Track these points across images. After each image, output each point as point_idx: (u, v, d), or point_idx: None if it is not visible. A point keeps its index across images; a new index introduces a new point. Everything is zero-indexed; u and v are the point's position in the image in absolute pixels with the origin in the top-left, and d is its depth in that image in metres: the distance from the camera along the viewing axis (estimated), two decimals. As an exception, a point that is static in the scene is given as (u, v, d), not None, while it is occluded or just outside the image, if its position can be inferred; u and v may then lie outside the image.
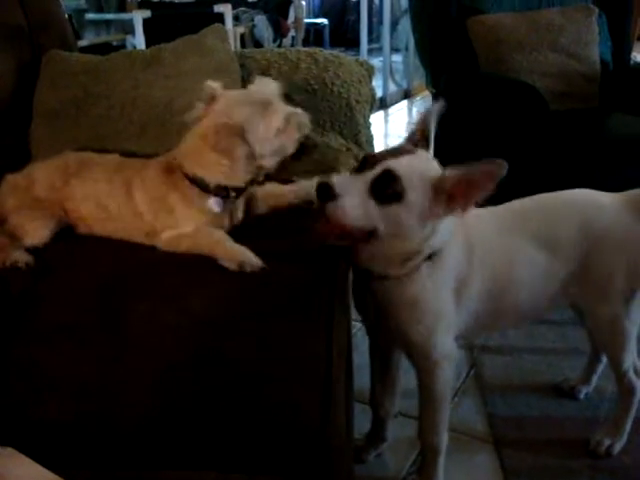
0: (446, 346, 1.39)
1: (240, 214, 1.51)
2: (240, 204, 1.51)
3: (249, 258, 1.30)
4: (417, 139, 1.31)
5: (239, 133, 1.37)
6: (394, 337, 1.46)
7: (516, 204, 1.50)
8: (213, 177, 1.42)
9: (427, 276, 1.31)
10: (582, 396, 1.88)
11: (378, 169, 1.20)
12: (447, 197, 1.20)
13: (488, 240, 1.41)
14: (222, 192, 1.43)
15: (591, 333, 1.77)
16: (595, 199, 1.50)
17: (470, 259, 1.36)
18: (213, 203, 1.43)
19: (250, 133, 1.38)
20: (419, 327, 1.35)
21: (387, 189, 1.18)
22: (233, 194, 1.45)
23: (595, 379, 1.88)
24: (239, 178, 1.43)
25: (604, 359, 1.82)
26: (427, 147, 1.30)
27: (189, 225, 1.42)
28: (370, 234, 1.21)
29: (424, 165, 1.24)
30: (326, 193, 1.16)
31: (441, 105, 1.34)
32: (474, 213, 1.45)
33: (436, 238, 1.27)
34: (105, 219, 1.49)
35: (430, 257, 1.30)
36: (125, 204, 1.47)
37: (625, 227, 1.46)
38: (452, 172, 1.20)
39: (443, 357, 1.39)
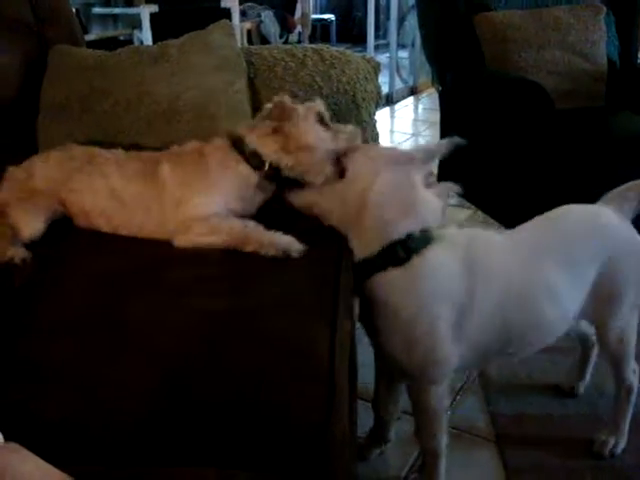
0: (441, 375, 1.39)
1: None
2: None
3: (292, 244, 1.31)
4: None
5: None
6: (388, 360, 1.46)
7: (528, 228, 1.50)
8: (266, 149, 1.43)
9: (404, 286, 1.30)
10: (582, 391, 1.89)
11: None
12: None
13: (500, 272, 1.38)
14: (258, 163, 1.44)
15: (583, 335, 1.83)
16: (599, 214, 1.50)
17: (471, 290, 1.32)
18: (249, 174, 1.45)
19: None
20: (410, 354, 1.34)
21: None
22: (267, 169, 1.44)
23: (589, 374, 1.90)
24: (286, 155, 1.42)
25: (594, 354, 1.86)
26: None
27: (207, 205, 1.42)
28: None
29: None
30: None
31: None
32: (482, 238, 1.44)
33: (394, 219, 1.30)
34: (116, 210, 1.47)
35: (398, 260, 1.29)
36: (145, 189, 1.46)
37: (628, 237, 1.49)
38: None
39: (434, 381, 1.39)
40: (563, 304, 1.44)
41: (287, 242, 1.32)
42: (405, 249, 1.29)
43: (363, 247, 1.33)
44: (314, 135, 1.42)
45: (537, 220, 1.51)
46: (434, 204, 1.35)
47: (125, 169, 1.49)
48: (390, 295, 1.31)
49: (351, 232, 1.34)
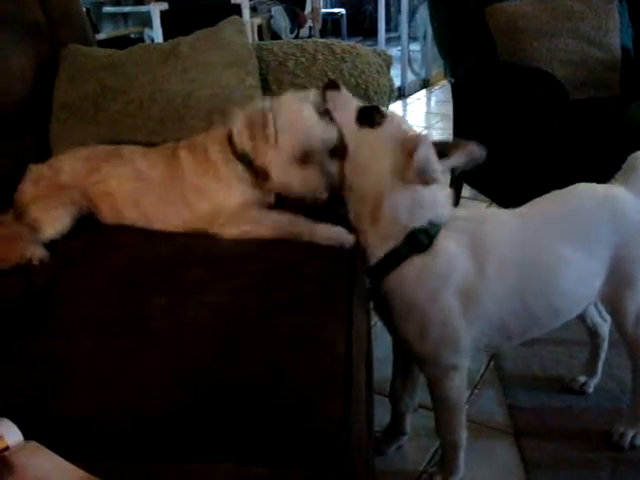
0: (455, 359, 1.39)
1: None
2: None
3: (342, 234, 1.33)
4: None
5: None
6: (404, 346, 1.46)
7: (540, 205, 1.49)
8: (242, 143, 1.42)
9: (422, 277, 1.31)
10: (591, 389, 1.87)
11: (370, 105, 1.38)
12: (409, 153, 1.26)
13: (511, 249, 1.38)
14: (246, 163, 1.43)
15: (593, 328, 1.81)
16: (612, 195, 1.49)
17: (481, 268, 1.33)
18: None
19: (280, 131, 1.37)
20: (424, 341, 1.35)
21: (369, 114, 1.33)
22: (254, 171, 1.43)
23: (600, 369, 1.88)
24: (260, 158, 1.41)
25: (605, 347, 1.84)
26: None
27: (229, 182, 1.44)
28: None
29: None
30: (333, 85, 1.39)
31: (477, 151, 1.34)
32: (488, 215, 1.45)
33: (405, 206, 1.30)
34: (142, 197, 1.49)
35: (421, 247, 1.30)
36: (169, 172, 1.49)
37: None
38: (424, 137, 1.28)
39: (451, 368, 1.40)
40: (578, 280, 1.44)
41: (338, 233, 1.34)
42: (427, 235, 1.31)
43: (384, 242, 1.33)
44: (279, 173, 1.39)
45: (548, 197, 1.50)
46: (445, 190, 1.38)
47: (149, 156, 1.54)
48: (406, 284, 1.33)
49: (369, 228, 1.33)
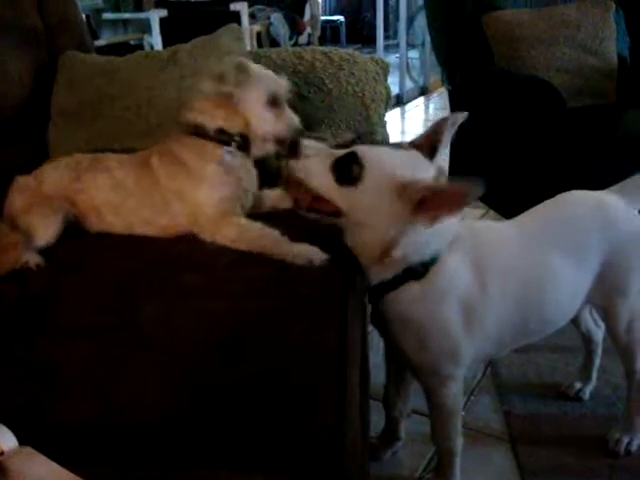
0: (453, 369, 1.39)
1: (255, 183, 1.59)
2: (250, 169, 1.57)
3: (316, 253, 1.33)
4: (421, 143, 1.29)
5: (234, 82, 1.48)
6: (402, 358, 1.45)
7: (534, 214, 1.49)
8: (212, 121, 1.51)
9: (421, 298, 1.29)
10: (587, 396, 1.87)
11: (346, 150, 1.24)
12: (414, 205, 1.18)
13: (510, 263, 1.38)
14: (225, 138, 1.51)
15: (587, 334, 1.81)
16: (605, 202, 1.49)
17: (483, 284, 1.32)
18: (224, 152, 1.51)
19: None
20: (422, 353, 1.34)
21: (346, 170, 1.21)
22: (238, 139, 1.52)
23: (595, 375, 1.88)
24: (235, 121, 1.51)
25: (599, 353, 1.84)
26: (431, 154, 1.28)
27: (206, 180, 1.49)
28: (336, 213, 1.25)
29: (404, 165, 1.23)
30: (294, 150, 1.26)
31: (460, 116, 1.31)
32: (485, 229, 1.44)
33: (415, 245, 1.25)
34: (122, 203, 1.53)
35: (418, 275, 1.28)
36: (143, 177, 1.53)
37: (634, 227, 1.48)
38: (424, 181, 1.20)
39: (448, 377, 1.39)
40: (567, 290, 1.45)
41: (312, 252, 1.34)
42: (424, 265, 1.29)
43: (383, 272, 1.30)
44: (257, 116, 1.51)
45: (542, 205, 1.51)
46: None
47: (124, 164, 1.57)
48: (404, 306, 1.31)
49: (371, 259, 1.30)
